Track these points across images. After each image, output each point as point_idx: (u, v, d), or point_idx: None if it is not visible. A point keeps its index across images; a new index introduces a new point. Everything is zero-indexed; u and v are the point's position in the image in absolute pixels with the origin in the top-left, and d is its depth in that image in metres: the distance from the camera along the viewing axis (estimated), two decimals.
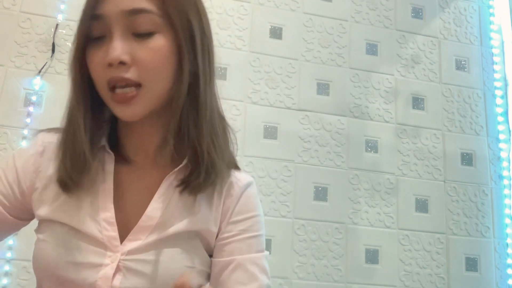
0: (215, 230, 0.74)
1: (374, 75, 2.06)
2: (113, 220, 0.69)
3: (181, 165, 0.72)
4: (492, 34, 2.21)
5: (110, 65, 0.65)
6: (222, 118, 0.77)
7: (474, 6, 2.25)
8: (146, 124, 0.73)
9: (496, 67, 2.17)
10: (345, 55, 2.06)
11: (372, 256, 1.88)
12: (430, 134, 2.05)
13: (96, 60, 0.67)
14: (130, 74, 0.65)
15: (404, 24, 2.15)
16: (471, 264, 1.95)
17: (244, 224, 0.75)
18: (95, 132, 0.72)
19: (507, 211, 2.01)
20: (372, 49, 2.09)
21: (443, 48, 2.17)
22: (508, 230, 1.99)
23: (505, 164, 2.06)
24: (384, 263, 1.89)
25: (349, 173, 1.94)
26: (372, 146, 1.99)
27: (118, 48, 0.64)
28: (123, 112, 0.68)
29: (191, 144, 0.70)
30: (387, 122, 2.02)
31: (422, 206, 1.97)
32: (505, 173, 2.05)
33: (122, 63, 0.65)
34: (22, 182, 0.72)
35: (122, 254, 0.67)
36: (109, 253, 0.67)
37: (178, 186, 0.71)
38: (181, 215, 0.71)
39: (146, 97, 0.67)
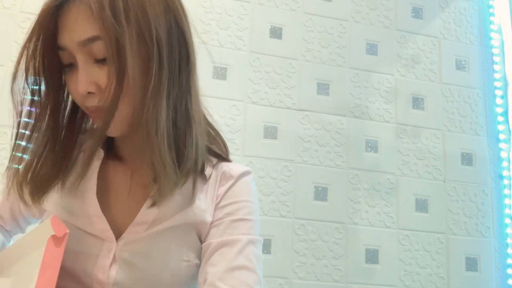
0: (211, 220, 0.75)
1: (374, 75, 2.06)
2: (100, 213, 0.70)
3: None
4: (492, 34, 2.21)
5: (83, 96, 0.67)
6: (189, 117, 0.73)
7: (474, 6, 2.25)
8: (135, 142, 0.72)
9: (496, 67, 2.17)
10: (345, 55, 2.06)
11: (372, 256, 1.88)
12: (430, 134, 2.05)
13: (72, 88, 0.68)
14: (101, 102, 0.65)
15: (404, 24, 2.15)
16: (471, 264, 1.95)
17: (229, 208, 0.75)
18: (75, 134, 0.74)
19: (507, 211, 2.01)
20: (372, 49, 2.09)
21: (443, 48, 2.17)
22: (508, 230, 1.99)
23: (505, 164, 2.06)
24: (384, 263, 1.89)
25: (349, 173, 1.94)
26: (372, 146, 1.99)
27: (83, 81, 0.65)
28: (103, 130, 0.67)
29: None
30: (387, 122, 2.02)
31: (422, 206, 1.97)
32: (505, 173, 2.05)
33: (90, 93, 0.66)
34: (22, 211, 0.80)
35: (118, 246, 0.70)
36: (106, 244, 0.70)
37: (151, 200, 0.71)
38: (178, 208, 0.72)
39: (121, 115, 0.66)
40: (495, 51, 2.19)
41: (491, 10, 2.25)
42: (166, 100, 0.67)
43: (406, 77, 2.09)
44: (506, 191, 2.03)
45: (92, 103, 0.66)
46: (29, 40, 0.69)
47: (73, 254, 0.69)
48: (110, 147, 0.78)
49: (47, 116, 0.70)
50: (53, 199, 0.73)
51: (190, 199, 0.73)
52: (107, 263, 0.69)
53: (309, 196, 1.88)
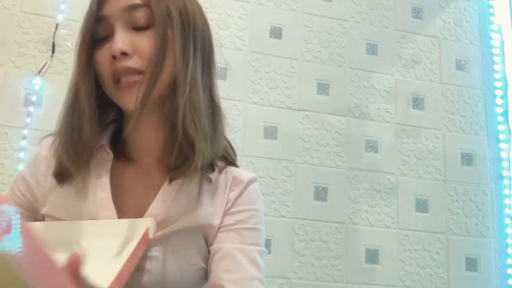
0: (218, 223, 0.75)
1: (374, 75, 2.06)
2: (114, 213, 0.70)
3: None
4: (492, 34, 2.21)
5: (113, 57, 0.69)
6: (214, 103, 0.78)
7: (474, 6, 2.25)
8: (149, 121, 0.74)
9: (496, 67, 2.17)
10: (345, 55, 2.06)
11: (372, 256, 1.88)
12: (430, 134, 2.05)
13: (102, 57, 0.71)
14: (132, 63, 0.69)
15: (404, 24, 2.15)
16: (471, 264, 1.95)
17: (241, 215, 0.75)
18: (97, 132, 0.73)
19: (507, 211, 2.01)
20: (372, 49, 2.09)
21: (443, 48, 2.17)
22: (508, 230, 1.99)
23: (505, 164, 2.06)
24: (384, 263, 1.89)
25: (349, 173, 1.94)
26: (372, 146, 1.99)
27: (120, 40, 0.69)
28: (127, 100, 0.70)
29: (172, 123, 0.72)
30: (387, 122, 2.02)
31: (422, 206, 1.97)
32: (505, 173, 2.05)
33: (124, 54, 0.68)
34: (33, 188, 0.75)
35: None
36: None
37: (169, 178, 0.73)
38: (185, 211, 0.72)
39: (148, 83, 0.69)
40: (495, 51, 2.19)
41: (491, 10, 2.25)
42: (201, 79, 0.74)
43: (406, 77, 2.09)
44: (506, 191, 2.03)
45: (124, 63, 0.68)
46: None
47: None
48: (115, 150, 0.77)
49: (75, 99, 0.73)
50: (60, 198, 0.72)
51: (196, 201, 0.73)
52: None
53: (309, 196, 1.88)
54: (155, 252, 0.69)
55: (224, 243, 0.72)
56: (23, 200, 0.75)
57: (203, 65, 0.76)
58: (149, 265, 0.68)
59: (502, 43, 2.20)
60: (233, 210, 0.76)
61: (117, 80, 0.70)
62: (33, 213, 0.75)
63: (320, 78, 2.01)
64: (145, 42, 0.70)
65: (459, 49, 2.18)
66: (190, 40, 0.73)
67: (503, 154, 2.07)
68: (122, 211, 0.71)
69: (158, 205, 0.71)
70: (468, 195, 2.02)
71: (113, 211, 0.70)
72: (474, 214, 2.00)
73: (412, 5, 2.18)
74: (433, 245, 1.94)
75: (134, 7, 0.70)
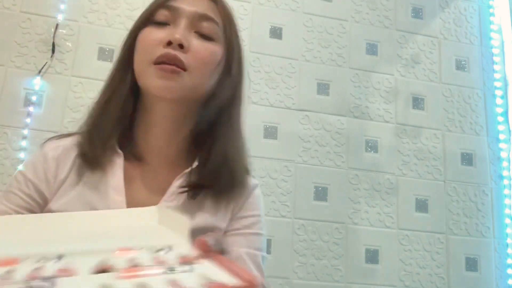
0: (223, 226, 0.76)
1: (374, 75, 2.06)
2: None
3: (193, 166, 0.74)
4: (492, 34, 2.21)
5: (169, 43, 0.70)
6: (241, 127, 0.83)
7: (474, 6, 2.25)
8: (168, 122, 0.75)
9: (496, 67, 2.17)
10: (345, 55, 2.06)
11: (372, 256, 1.88)
12: (430, 134, 2.05)
13: (153, 37, 0.72)
14: (183, 57, 0.70)
15: (404, 24, 2.15)
16: (471, 264, 1.95)
17: (248, 221, 0.77)
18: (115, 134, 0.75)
19: (507, 211, 2.01)
20: (372, 49, 2.09)
21: (443, 48, 2.16)
22: (508, 230, 1.99)
23: (505, 164, 2.06)
24: (384, 263, 1.89)
25: (349, 173, 1.94)
26: (372, 146, 1.99)
27: (182, 33, 0.71)
28: (164, 84, 0.70)
29: (214, 147, 0.75)
30: (387, 122, 2.02)
31: (422, 206, 1.97)
32: (505, 173, 2.05)
33: (181, 46, 0.70)
34: (41, 188, 0.74)
35: None
36: None
37: (186, 190, 0.73)
38: (191, 212, 0.73)
39: (186, 81, 0.71)
40: (495, 51, 2.19)
41: (491, 10, 2.25)
42: (238, 102, 0.81)
43: (406, 77, 2.09)
44: (506, 191, 2.03)
45: (176, 51, 0.70)
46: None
47: None
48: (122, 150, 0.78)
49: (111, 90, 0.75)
50: (72, 196, 0.72)
51: (204, 203, 0.74)
52: None
53: (309, 196, 1.88)
54: None
55: (233, 247, 0.74)
56: (28, 201, 0.74)
57: (239, 91, 0.81)
58: None
59: (502, 43, 2.20)
60: (240, 214, 0.77)
61: (158, 63, 0.70)
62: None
63: (320, 78, 2.01)
64: (202, 47, 0.72)
65: (459, 49, 2.18)
66: (235, 69, 0.78)
67: (503, 154, 2.07)
68: (132, 205, 0.72)
69: (165, 205, 0.72)
70: (468, 195, 2.02)
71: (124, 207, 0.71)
72: (474, 214, 2.00)
73: (412, 5, 2.18)
74: (433, 245, 1.94)
75: (206, 17, 0.74)
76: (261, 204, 0.81)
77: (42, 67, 1.76)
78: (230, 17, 0.79)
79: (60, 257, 0.46)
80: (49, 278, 0.38)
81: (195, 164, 0.74)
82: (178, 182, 0.74)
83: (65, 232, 0.55)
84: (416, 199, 1.97)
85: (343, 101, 2.00)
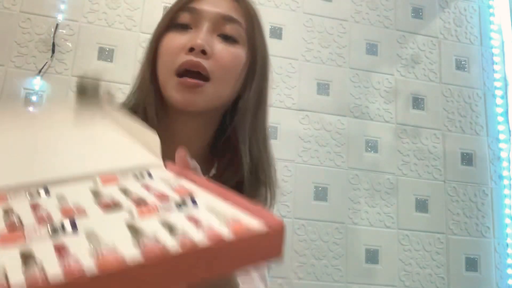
0: None
1: (374, 75, 2.06)
2: None
3: (210, 175, 0.73)
4: (492, 34, 2.21)
5: (191, 49, 0.67)
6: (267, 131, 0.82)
7: (474, 6, 2.25)
8: (189, 129, 0.73)
9: (496, 67, 2.17)
10: (345, 55, 2.06)
11: (372, 256, 1.88)
12: (430, 134, 2.05)
13: (175, 43, 0.69)
14: (206, 64, 0.67)
15: (404, 24, 2.15)
16: (471, 264, 1.95)
17: None
18: None
19: (507, 211, 2.01)
20: (372, 49, 2.09)
21: (443, 48, 2.17)
22: (508, 230, 1.99)
23: (505, 164, 2.06)
24: (384, 263, 1.89)
25: (349, 173, 1.94)
26: (372, 146, 1.99)
27: (205, 38, 0.68)
28: (186, 99, 0.68)
29: (237, 156, 0.72)
30: (387, 122, 2.02)
31: (422, 206, 1.97)
32: (505, 173, 2.05)
33: (203, 52, 0.67)
34: None
35: None
36: None
37: None
38: None
39: (210, 92, 0.69)
40: (495, 51, 2.19)
41: (491, 10, 2.25)
42: (264, 107, 0.80)
43: (406, 77, 2.09)
44: (506, 191, 2.03)
45: (198, 57, 0.67)
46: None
47: None
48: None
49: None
50: None
51: None
52: None
53: (309, 196, 1.88)
54: None
55: None
56: None
57: (264, 94, 0.79)
58: None
59: (502, 43, 2.20)
60: None
61: (179, 74, 0.68)
62: None
63: (320, 78, 2.01)
64: (225, 52, 0.69)
65: (459, 49, 2.18)
66: (260, 71, 0.75)
67: (503, 154, 2.07)
68: None
69: None
70: (468, 195, 2.02)
71: None
72: (474, 214, 2.00)
73: (412, 5, 2.18)
74: (433, 245, 1.94)
75: (230, 19, 0.71)
76: None
77: (42, 67, 1.76)
78: (253, 16, 0.76)
79: (45, 189, 0.41)
80: (60, 223, 0.34)
81: (212, 172, 0.72)
82: None
83: (29, 151, 0.49)
84: (416, 199, 1.97)
85: (343, 101, 2.00)
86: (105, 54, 1.83)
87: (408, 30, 2.15)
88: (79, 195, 0.39)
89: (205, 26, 0.69)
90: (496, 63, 2.18)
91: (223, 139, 0.73)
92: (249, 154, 0.72)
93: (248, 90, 0.73)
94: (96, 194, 0.40)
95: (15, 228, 0.33)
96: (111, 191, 0.40)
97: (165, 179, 0.44)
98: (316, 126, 1.96)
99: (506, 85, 2.15)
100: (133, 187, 0.41)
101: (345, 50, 2.06)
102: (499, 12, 2.23)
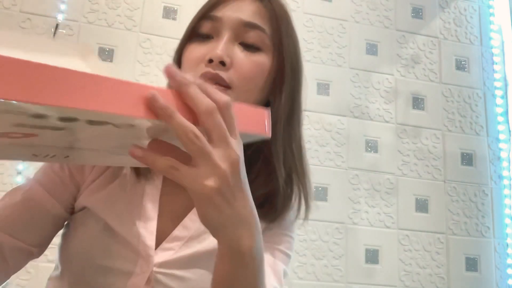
0: None
1: (374, 75, 2.06)
2: (154, 229, 0.67)
3: None
4: (492, 34, 2.21)
5: (210, 61, 0.66)
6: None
7: (474, 6, 2.25)
8: None
9: (496, 67, 2.17)
10: (345, 55, 2.06)
11: (372, 256, 1.88)
12: (430, 134, 2.05)
13: (195, 54, 0.68)
14: (225, 75, 0.66)
15: (404, 24, 2.15)
16: (471, 264, 1.95)
17: (275, 238, 0.77)
18: None
19: (507, 211, 2.01)
20: (372, 49, 2.09)
21: (443, 48, 2.17)
22: (508, 230, 2.00)
23: (505, 164, 2.06)
24: (384, 263, 1.89)
25: (349, 173, 1.94)
26: (372, 146, 1.99)
27: (224, 48, 0.66)
28: None
29: (269, 167, 0.70)
30: (387, 122, 2.02)
31: (422, 206, 1.97)
32: (505, 173, 2.05)
33: (222, 63, 0.66)
34: (77, 178, 0.71)
35: (154, 266, 0.65)
36: (140, 262, 0.65)
37: None
38: None
39: (232, 99, 0.67)
40: (495, 51, 2.19)
41: (491, 10, 2.25)
42: (295, 116, 0.74)
43: (406, 77, 2.09)
44: (506, 191, 2.03)
45: (218, 71, 0.65)
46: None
47: (104, 268, 0.64)
48: None
49: None
50: (95, 194, 0.69)
51: None
52: (140, 284, 0.63)
53: None
54: (183, 272, 0.65)
55: None
56: (58, 183, 0.70)
57: (297, 100, 0.75)
58: (175, 285, 0.65)
59: (502, 43, 2.20)
60: (268, 227, 0.74)
61: None
62: (57, 206, 0.69)
63: (320, 78, 2.01)
64: (246, 61, 0.67)
65: (459, 49, 2.18)
66: (290, 76, 0.71)
67: (503, 154, 2.07)
68: (160, 219, 0.69)
69: (192, 218, 0.69)
70: (468, 195, 2.02)
71: (154, 221, 0.68)
72: (474, 214, 2.00)
73: (412, 5, 2.18)
74: (433, 245, 1.94)
75: (252, 25, 0.68)
76: (295, 226, 0.79)
77: None
78: (280, 18, 0.72)
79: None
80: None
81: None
82: None
83: None
84: (416, 199, 1.97)
85: (343, 101, 2.00)
86: (105, 54, 1.83)
87: (408, 30, 2.15)
88: None
89: (226, 36, 0.67)
90: (496, 63, 2.18)
91: (251, 149, 0.69)
92: (283, 166, 0.70)
93: (279, 98, 0.70)
94: None
95: None
96: None
97: None
98: (316, 126, 1.96)
99: (506, 85, 2.15)
100: None
101: (345, 50, 2.06)
102: (499, 12, 2.23)
